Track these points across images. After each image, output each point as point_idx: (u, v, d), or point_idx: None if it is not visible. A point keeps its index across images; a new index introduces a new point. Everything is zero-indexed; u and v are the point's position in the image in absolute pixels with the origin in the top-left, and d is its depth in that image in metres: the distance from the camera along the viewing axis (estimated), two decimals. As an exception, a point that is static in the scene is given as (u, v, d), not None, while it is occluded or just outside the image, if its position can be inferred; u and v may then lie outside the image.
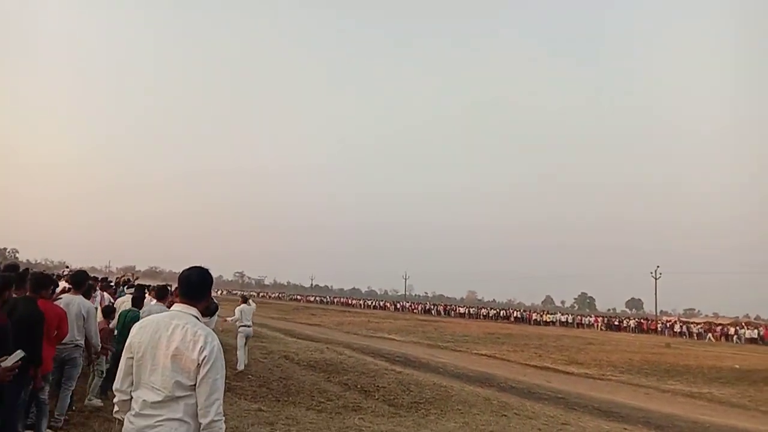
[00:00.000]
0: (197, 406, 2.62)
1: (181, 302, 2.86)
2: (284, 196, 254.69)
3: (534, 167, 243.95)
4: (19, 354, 2.50)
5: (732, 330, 46.14)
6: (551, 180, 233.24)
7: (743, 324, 49.68)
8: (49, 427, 5.51)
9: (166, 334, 2.69)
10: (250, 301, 12.62)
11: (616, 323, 56.62)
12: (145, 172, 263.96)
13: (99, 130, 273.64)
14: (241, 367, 10.99)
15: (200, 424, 2.61)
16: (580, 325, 55.66)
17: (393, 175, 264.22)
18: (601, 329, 52.98)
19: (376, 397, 10.02)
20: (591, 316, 62.83)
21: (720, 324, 50.28)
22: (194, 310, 2.83)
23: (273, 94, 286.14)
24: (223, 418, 2.69)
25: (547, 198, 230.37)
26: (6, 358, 2.42)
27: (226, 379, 8.23)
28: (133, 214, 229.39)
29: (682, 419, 11.65)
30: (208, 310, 7.51)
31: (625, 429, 9.76)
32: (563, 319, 59.03)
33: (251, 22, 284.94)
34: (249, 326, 11.68)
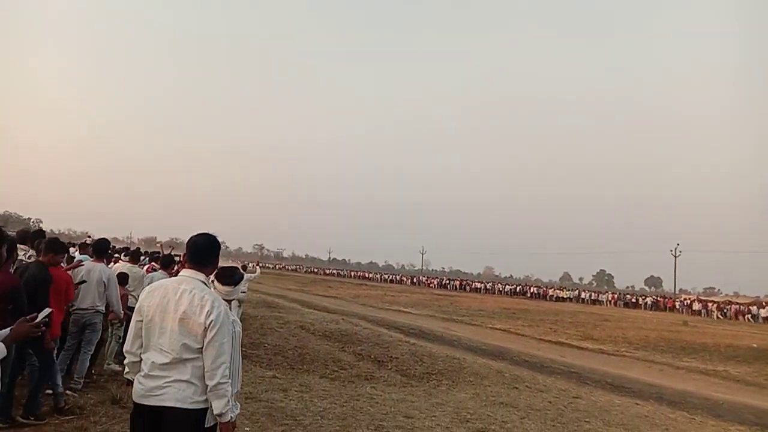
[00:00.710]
0: (204, 369, 2.70)
1: (189, 268, 2.93)
2: (304, 170, 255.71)
3: (557, 148, 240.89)
4: (47, 311, 2.60)
5: (749, 309, 45.56)
6: (573, 160, 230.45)
7: (764, 303, 49.04)
8: (68, 389, 5.71)
9: (174, 298, 2.76)
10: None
11: (633, 300, 56.15)
12: (166, 146, 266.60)
13: (121, 104, 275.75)
14: None
15: (207, 385, 2.70)
16: (596, 301, 55.28)
17: (412, 152, 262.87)
18: (615, 306, 52.68)
19: (389, 367, 10.15)
20: (607, 293, 62.25)
21: (738, 303, 49.68)
22: (202, 276, 2.90)
23: (294, 71, 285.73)
24: (230, 380, 2.77)
25: (567, 177, 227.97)
26: (36, 315, 2.52)
27: (242, 347, 8.38)
28: (155, 186, 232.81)
29: (695, 395, 11.64)
30: (232, 279, 7.67)
31: (637, 404, 9.78)
32: (576, 295, 58.77)
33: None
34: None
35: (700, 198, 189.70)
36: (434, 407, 7.25)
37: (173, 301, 2.75)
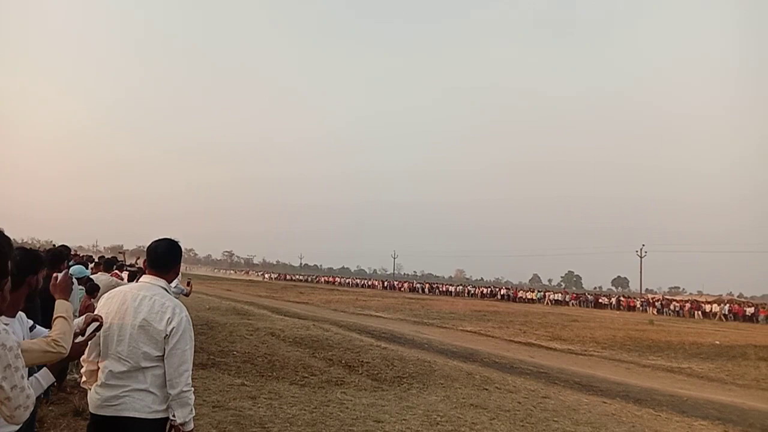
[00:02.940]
0: (165, 377, 2.64)
1: (149, 273, 2.87)
2: (274, 175, 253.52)
3: (522, 148, 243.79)
4: (95, 324, 2.54)
5: (708, 307, 46.87)
6: (539, 161, 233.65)
7: (726, 301, 50.51)
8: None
9: (134, 305, 2.70)
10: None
11: (598, 300, 57.18)
12: (133, 151, 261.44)
13: (84, 109, 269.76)
14: None
15: (168, 394, 2.64)
16: (560, 302, 56.12)
17: (383, 153, 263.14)
18: (579, 306, 53.64)
19: (360, 372, 10.12)
20: (566, 293, 63.21)
21: (701, 301, 51.04)
22: (162, 282, 2.84)
23: (262, 73, 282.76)
24: (192, 389, 2.72)
25: (535, 179, 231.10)
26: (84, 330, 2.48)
27: (210, 355, 8.28)
28: (121, 192, 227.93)
29: (661, 392, 11.87)
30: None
31: (604, 402, 9.93)
32: (542, 296, 59.56)
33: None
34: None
35: (667, 199, 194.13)
36: (405, 410, 7.25)
37: (132, 308, 2.69)
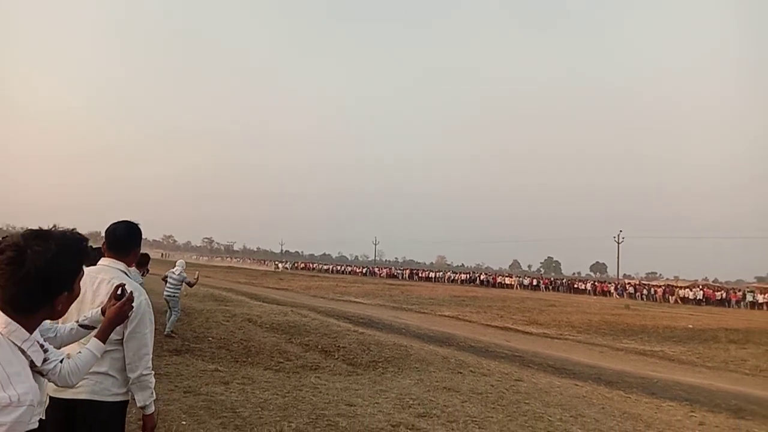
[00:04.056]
0: (125, 360, 2.63)
1: (108, 256, 2.84)
2: (255, 160, 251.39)
3: (504, 138, 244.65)
4: (128, 288, 2.48)
5: (681, 292, 47.80)
6: (520, 150, 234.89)
7: (701, 286, 51.55)
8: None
9: (92, 288, 2.67)
10: (177, 263, 12.53)
11: (570, 285, 58.36)
12: (111, 136, 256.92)
13: (61, 93, 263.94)
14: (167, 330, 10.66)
15: (128, 378, 2.63)
16: (536, 287, 57.08)
17: (365, 142, 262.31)
18: (554, 291, 54.50)
19: (336, 356, 10.17)
20: (540, 278, 64.57)
21: (677, 286, 52.00)
22: (122, 265, 2.81)
23: (243, 60, 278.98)
24: (152, 372, 2.71)
25: (516, 167, 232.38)
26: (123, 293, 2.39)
27: (185, 341, 8.23)
28: (100, 178, 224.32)
29: (632, 375, 12.12)
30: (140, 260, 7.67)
31: (576, 385, 10.11)
32: (520, 282, 60.42)
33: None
34: (168, 290, 11.50)
35: (646, 186, 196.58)
36: (378, 394, 7.31)
37: (90, 292, 2.66)
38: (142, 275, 7.93)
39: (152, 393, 2.69)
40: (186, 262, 13.19)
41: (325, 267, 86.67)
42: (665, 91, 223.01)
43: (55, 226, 1.68)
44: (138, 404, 2.64)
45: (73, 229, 1.73)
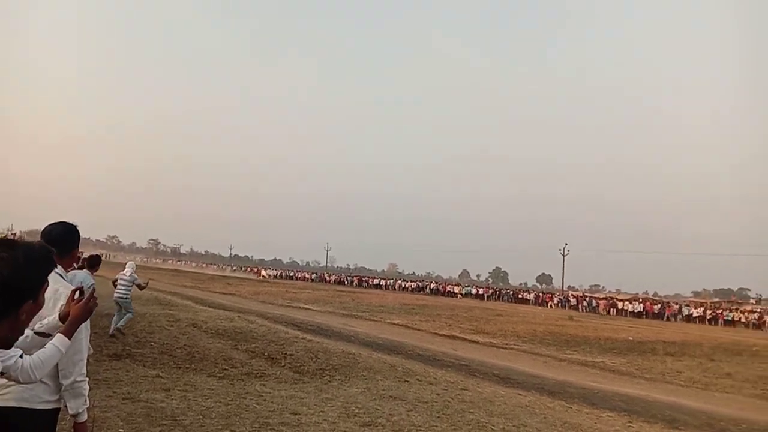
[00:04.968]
0: (58, 366, 2.52)
1: (44, 258, 2.73)
2: (203, 158, 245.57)
3: (456, 145, 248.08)
4: (91, 283, 2.39)
5: (620, 305, 49.57)
6: (471, 157, 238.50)
7: (641, 299, 53.61)
8: None
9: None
10: (127, 264, 12.31)
11: (515, 295, 59.85)
12: (57, 127, 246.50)
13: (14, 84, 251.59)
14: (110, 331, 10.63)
15: (61, 385, 2.52)
16: (478, 296, 58.41)
17: (318, 143, 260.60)
18: (492, 300, 55.72)
19: (283, 364, 10.03)
20: (482, 288, 66.30)
21: (619, 299, 53.88)
22: (58, 268, 2.71)
23: (193, 45, 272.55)
24: (86, 379, 2.61)
25: (466, 174, 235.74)
26: (81, 289, 2.29)
27: (126, 346, 7.96)
28: (42, 175, 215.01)
29: (574, 385, 12.45)
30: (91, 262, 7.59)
31: (520, 394, 10.32)
32: (468, 291, 61.51)
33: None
34: (118, 291, 11.35)
35: (591, 197, 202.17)
36: (323, 403, 7.25)
37: None
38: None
39: (86, 400, 2.60)
40: (135, 264, 12.86)
41: (311, 276, 78.36)
42: (611, 98, 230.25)
43: (20, 238, 1.67)
44: (70, 412, 2.54)
45: (40, 242, 1.76)
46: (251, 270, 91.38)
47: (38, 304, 1.56)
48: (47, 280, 1.60)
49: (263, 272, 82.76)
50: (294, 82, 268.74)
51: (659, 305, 49.61)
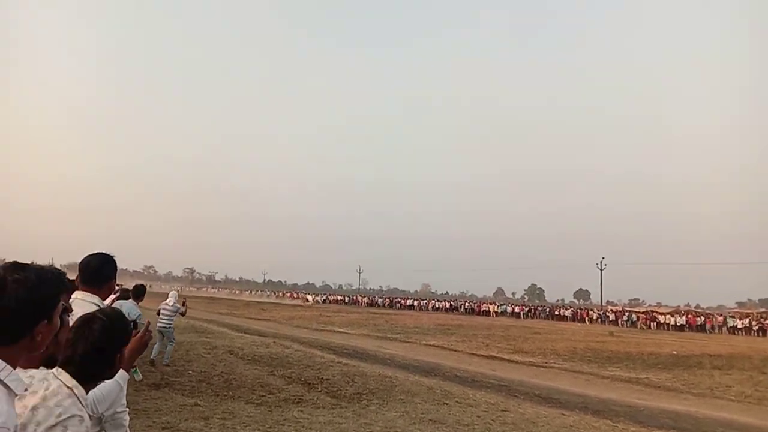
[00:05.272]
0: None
1: (82, 289, 2.76)
2: (234, 186, 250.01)
3: (487, 163, 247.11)
4: (146, 320, 2.48)
5: (662, 318, 48.12)
6: (503, 174, 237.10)
7: (683, 312, 51.94)
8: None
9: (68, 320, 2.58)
10: (170, 294, 12.46)
11: (551, 312, 58.56)
12: (92, 163, 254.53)
13: (38, 114, 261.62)
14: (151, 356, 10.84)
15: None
16: (515, 314, 57.25)
17: (349, 164, 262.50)
18: (528, 318, 54.57)
19: (319, 389, 9.97)
20: (519, 306, 64.77)
21: (660, 312, 52.34)
22: (95, 298, 2.73)
23: (223, 80, 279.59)
24: (127, 409, 2.61)
25: (499, 191, 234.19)
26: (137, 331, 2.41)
27: (164, 375, 8.06)
28: (81, 206, 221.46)
29: (618, 403, 12.05)
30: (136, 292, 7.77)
31: (563, 414, 10.00)
32: (503, 310, 60.32)
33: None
34: (162, 321, 11.47)
35: (627, 209, 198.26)
36: (362, 427, 7.15)
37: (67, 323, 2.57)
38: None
39: (126, 431, 2.58)
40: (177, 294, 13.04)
41: (345, 299, 76.47)
42: (652, 113, 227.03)
43: (32, 262, 1.69)
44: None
45: (51, 265, 1.79)
46: (293, 295, 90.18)
47: (53, 325, 1.58)
48: (60, 302, 1.62)
49: (309, 297, 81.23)
50: (315, 105, 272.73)
51: (702, 317, 48.05)
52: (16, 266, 1.55)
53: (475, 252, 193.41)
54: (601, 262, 63.63)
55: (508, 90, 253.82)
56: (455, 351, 21.17)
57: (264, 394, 9.06)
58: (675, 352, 22.82)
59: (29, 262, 1.68)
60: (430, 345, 22.82)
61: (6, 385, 1.45)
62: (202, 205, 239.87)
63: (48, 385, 1.76)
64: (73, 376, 1.79)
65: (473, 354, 20.39)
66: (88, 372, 1.84)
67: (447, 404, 9.38)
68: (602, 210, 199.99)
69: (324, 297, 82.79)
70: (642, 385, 15.64)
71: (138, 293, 8.69)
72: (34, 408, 1.70)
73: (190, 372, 10.27)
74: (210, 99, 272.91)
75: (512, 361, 18.98)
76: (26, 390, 1.64)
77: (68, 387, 1.76)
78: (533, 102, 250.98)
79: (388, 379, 11.12)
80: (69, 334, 1.84)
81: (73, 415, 1.72)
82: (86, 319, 1.87)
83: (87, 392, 1.86)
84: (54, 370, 1.82)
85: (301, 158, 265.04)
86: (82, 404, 1.79)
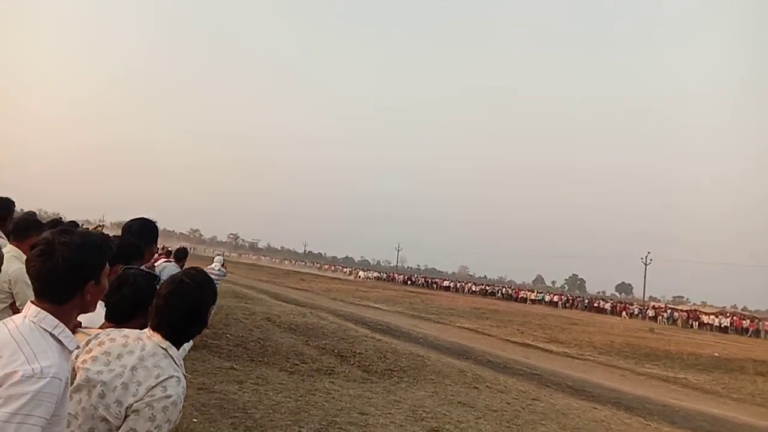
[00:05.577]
0: None
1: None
2: (283, 160, 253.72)
3: (535, 151, 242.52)
4: None
5: (706, 318, 46.57)
6: (554, 164, 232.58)
7: (728, 314, 50.17)
8: None
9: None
10: (215, 259, 12.69)
11: (590, 303, 57.23)
12: (143, 128, 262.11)
13: (94, 82, 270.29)
14: None
15: None
16: (552, 303, 56.19)
17: (393, 146, 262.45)
18: (564, 308, 53.44)
19: (352, 362, 10.09)
20: (551, 294, 63.17)
21: (704, 312, 50.70)
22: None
23: (275, 58, 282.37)
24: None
25: (546, 181, 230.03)
26: None
27: (203, 337, 8.21)
28: (130, 169, 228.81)
29: (653, 402, 11.80)
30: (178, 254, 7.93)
31: (595, 408, 9.86)
32: (541, 297, 59.40)
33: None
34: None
35: (675, 208, 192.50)
36: (391, 404, 7.21)
37: None
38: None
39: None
40: (223, 258, 13.29)
41: (445, 284, 70.43)
42: (699, 110, 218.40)
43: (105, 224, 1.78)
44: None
45: (98, 228, 1.85)
46: (337, 269, 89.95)
47: (101, 287, 1.65)
48: (107, 264, 1.68)
49: (361, 273, 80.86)
50: (358, 90, 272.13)
51: (748, 320, 46.31)
52: (63, 230, 1.63)
53: (518, 238, 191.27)
54: (646, 256, 61.99)
55: (553, 83, 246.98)
56: (489, 336, 21.09)
57: (297, 362, 9.22)
58: (717, 354, 22.16)
59: (77, 227, 1.76)
60: (464, 328, 22.79)
61: (60, 342, 1.54)
62: (249, 175, 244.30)
63: (143, 345, 1.86)
64: (166, 337, 1.87)
65: (507, 340, 20.27)
66: (183, 334, 1.93)
67: (477, 388, 9.37)
68: (650, 208, 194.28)
69: (376, 274, 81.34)
70: (679, 385, 15.28)
71: (180, 256, 8.91)
72: (134, 368, 1.79)
73: (228, 336, 10.53)
74: (259, 78, 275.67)
75: (547, 350, 18.80)
76: (78, 347, 1.73)
77: (163, 348, 1.85)
78: (582, 96, 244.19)
79: (420, 358, 11.16)
80: (161, 299, 1.91)
81: (171, 376, 1.80)
82: (176, 284, 1.93)
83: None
84: (146, 330, 1.92)
85: (347, 139, 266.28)
86: (177, 364, 1.88)
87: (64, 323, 1.57)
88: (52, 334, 1.53)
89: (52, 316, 1.55)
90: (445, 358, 12.47)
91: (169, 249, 13.36)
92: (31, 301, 1.58)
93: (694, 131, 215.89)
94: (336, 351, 10.80)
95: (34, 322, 1.53)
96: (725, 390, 15.14)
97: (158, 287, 2.00)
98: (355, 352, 10.87)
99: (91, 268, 1.62)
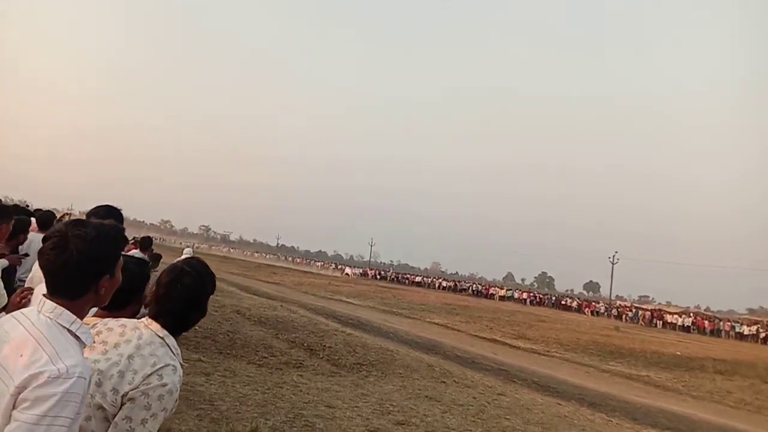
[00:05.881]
0: None
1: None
2: (258, 151, 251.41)
3: (511, 149, 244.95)
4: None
5: (669, 318, 47.70)
6: (523, 161, 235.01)
7: (691, 313, 51.48)
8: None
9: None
10: (184, 251, 12.62)
11: (557, 301, 58.02)
12: (115, 117, 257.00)
13: (74, 70, 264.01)
14: None
15: None
16: (521, 300, 56.62)
17: (368, 140, 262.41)
18: (527, 304, 53.90)
19: (321, 356, 10.11)
20: (522, 292, 63.31)
21: (668, 312, 51.93)
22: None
23: (255, 48, 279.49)
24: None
25: (517, 176, 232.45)
26: None
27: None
28: (101, 158, 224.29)
29: (616, 398, 12.10)
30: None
31: (559, 404, 10.08)
32: (510, 294, 59.79)
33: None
34: None
35: (644, 204, 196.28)
36: (358, 398, 7.26)
37: None
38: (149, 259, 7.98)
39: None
40: (192, 251, 13.19)
41: (416, 280, 68.62)
42: (678, 109, 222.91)
43: (71, 206, 1.75)
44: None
45: (111, 220, 1.84)
46: (332, 266, 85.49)
47: (116, 279, 1.63)
48: (121, 256, 1.67)
49: (348, 270, 77.24)
50: (342, 82, 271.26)
51: (707, 320, 47.61)
52: (77, 222, 1.59)
53: (488, 235, 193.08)
54: (613, 256, 63.27)
55: (534, 80, 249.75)
56: (459, 331, 21.32)
57: (266, 355, 9.20)
58: (679, 353, 22.76)
59: (90, 219, 1.73)
60: (435, 323, 23.00)
61: (77, 337, 1.52)
62: (222, 167, 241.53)
63: (140, 334, 1.84)
64: (164, 326, 1.86)
65: (476, 336, 20.52)
66: (183, 323, 1.93)
67: (444, 383, 9.48)
68: (618, 206, 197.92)
69: (362, 271, 78.37)
70: (642, 382, 15.68)
71: (144, 245, 8.71)
72: (130, 357, 1.78)
73: (196, 328, 10.40)
74: (232, 68, 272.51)
75: (514, 347, 19.09)
76: (93, 342, 1.73)
77: (160, 337, 1.84)
78: (561, 94, 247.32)
79: (389, 352, 11.23)
80: (162, 288, 1.90)
81: (167, 364, 1.79)
82: (177, 273, 1.92)
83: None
84: (144, 319, 1.90)
85: (324, 134, 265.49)
86: (173, 353, 1.87)
87: (78, 317, 1.54)
88: (70, 330, 1.50)
89: (69, 312, 1.51)
90: (414, 352, 12.57)
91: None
92: (44, 295, 1.53)
93: (694, 131, 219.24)
94: (305, 344, 10.80)
95: (50, 318, 1.49)
96: (685, 388, 15.59)
97: (159, 276, 1.97)
98: (324, 345, 10.88)
99: (106, 261, 1.58)
